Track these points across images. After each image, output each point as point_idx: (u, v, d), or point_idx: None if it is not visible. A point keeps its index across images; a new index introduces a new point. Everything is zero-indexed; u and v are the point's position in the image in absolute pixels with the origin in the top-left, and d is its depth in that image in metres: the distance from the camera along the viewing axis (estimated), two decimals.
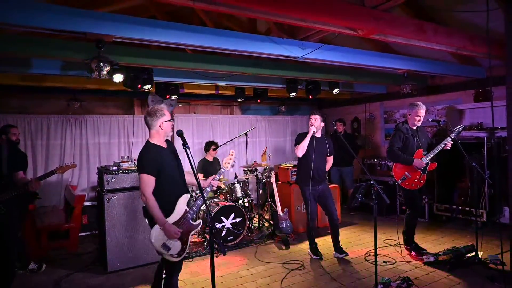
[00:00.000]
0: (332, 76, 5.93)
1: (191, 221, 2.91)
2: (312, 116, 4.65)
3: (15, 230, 3.39)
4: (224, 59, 4.91)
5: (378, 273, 3.45)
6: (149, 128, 2.91)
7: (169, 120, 2.93)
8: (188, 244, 2.90)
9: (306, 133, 4.64)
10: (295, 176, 5.23)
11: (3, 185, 3.30)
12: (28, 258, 4.53)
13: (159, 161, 2.79)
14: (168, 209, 2.81)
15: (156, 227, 2.76)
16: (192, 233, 2.93)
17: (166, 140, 3.03)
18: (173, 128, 3.00)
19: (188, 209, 2.92)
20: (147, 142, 2.91)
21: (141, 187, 2.76)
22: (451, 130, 4.41)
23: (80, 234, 5.62)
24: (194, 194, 4.97)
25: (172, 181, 2.87)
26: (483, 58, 5.35)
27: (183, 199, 2.91)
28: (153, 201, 2.72)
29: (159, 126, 2.86)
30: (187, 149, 2.60)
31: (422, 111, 4.43)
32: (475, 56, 5.26)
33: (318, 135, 4.72)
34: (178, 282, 3.03)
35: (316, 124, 4.61)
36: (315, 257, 4.70)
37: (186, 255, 4.78)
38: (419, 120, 4.46)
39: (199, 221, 3.02)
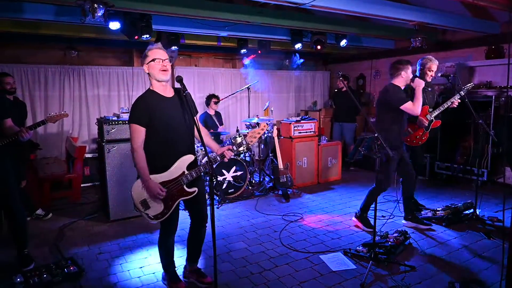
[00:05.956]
0: (339, 27, 5.67)
1: (185, 186, 2.60)
2: (408, 65, 3.84)
3: (12, 178, 3.19)
4: (227, 6, 4.65)
5: (376, 227, 3.49)
6: None
7: (153, 60, 2.51)
8: (171, 211, 2.59)
9: (399, 87, 3.84)
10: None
11: None
12: (35, 205, 4.60)
13: (150, 110, 2.51)
14: (160, 166, 2.55)
15: (139, 180, 2.54)
16: (181, 199, 2.64)
17: (177, 89, 2.70)
18: (164, 70, 2.54)
19: (187, 172, 2.59)
20: (147, 90, 2.66)
21: (130, 138, 2.54)
22: (460, 87, 4.27)
23: (82, 185, 5.69)
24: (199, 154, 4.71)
25: (170, 135, 2.57)
26: (500, 11, 5.07)
27: (185, 160, 2.60)
28: (139, 154, 2.49)
29: (145, 69, 2.57)
30: (187, 95, 2.49)
31: (434, 66, 4.25)
32: (491, 8, 4.98)
33: (403, 86, 3.94)
34: (177, 230, 2.88)
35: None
36: (368, 229, 4.07)
37: None
38: (431, 76, 4.28)
39: (195, 189, 2.63)
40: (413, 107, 3.77)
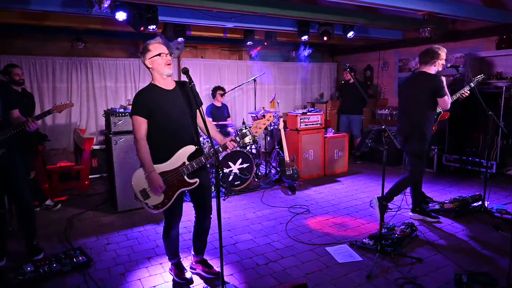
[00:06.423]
0: (346, 18, 5.59)
1: (185, 176, 2.59)
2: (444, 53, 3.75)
3: (21, 170, 3.22)
4: None
5: (384, 219, 3.48)
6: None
7: (158, 55, 2.50)
8: (171, 201, 2.59)
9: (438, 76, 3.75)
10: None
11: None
12: (45, 196, 4.67)
13: (150, 103, 2.52)
14: (163, 157, 2.56)
15: (141, 170, 2.56)
16: (182, 190, 2.62)
17: (178, 81, 2.72)
18: (169, 64, 2.56)
19: (187, 162, 2.58)
20: (148, 83, 2.65)
21: (133, 130, 2.58)
22: (470, 78, 4.20)
23: (90, 177, 5.75)
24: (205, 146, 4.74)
25: (172, 127, 2.57)
26: None
27: (185, 150, 2.59)
28: (142, 145, 2.51)
29: (147, 64, 2.56)
30: (192, 87, 2.48)
31: (444, 53, 4.11)
32: None
33: None
34: (184, 221, 2.96)
35: None
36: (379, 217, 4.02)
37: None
38: (442, 64, 4.17)
39: (196, 180, 2.62)
40: (449, 99, 3.73)
